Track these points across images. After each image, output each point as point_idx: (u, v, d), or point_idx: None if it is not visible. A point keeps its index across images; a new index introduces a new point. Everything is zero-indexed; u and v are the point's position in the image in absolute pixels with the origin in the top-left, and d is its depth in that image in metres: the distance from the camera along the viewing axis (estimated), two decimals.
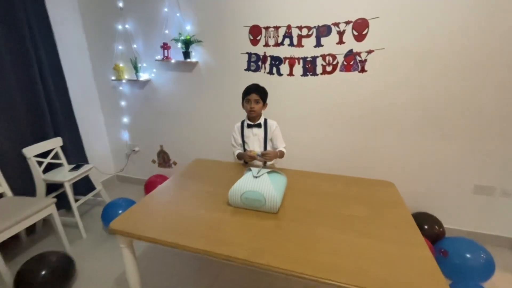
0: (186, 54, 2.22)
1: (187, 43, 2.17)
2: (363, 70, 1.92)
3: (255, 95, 1.64)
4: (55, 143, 2.20)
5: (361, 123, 2.04)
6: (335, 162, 2.19)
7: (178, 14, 2.19)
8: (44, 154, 2.13)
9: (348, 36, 1.88)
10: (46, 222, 2.15)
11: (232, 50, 2.17)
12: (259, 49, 2.10)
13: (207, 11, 2.13)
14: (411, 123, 1.93)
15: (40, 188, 2.07)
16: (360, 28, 1.84)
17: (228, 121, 2.39)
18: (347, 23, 1.85)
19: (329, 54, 1.96)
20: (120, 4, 2.31)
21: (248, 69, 2.18)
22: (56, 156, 2.22)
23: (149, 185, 2.54)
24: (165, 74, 2.44)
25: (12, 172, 1.95)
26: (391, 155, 2.05)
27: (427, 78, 1.81)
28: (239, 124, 1.82)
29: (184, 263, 1.80)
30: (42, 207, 1.76)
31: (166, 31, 2.26)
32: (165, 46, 2.24)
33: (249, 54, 2.14)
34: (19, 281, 1.43)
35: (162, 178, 2.58)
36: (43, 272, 1.45)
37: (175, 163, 2.76)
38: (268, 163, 1.80)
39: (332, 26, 1.89)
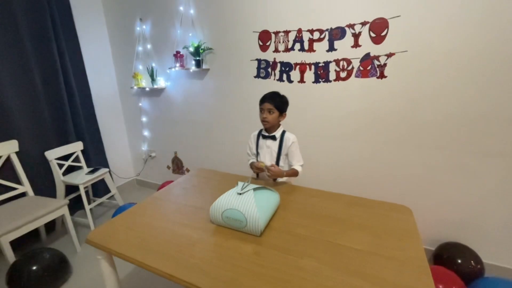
0: (198, 62, 2.21)
1: (198, 51, 2.17)
2: (382, 76, 1.70)
3: (269, 104, 1.49)
4: (76, 147, 2.34)
5: (380, 135, 1.81)
6: (346, 179, 1.98)
7: (191, 21, 2.21)
8: (67, 157, 2.28)
9: (365, 39, 1.68)
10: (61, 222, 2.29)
11: (242, 57, 2.11)
12: (269, 55, 2.00)
13: (216, 17, 2.10)
14: (442, 136, 1.65)
15: (60, 189, 2.21)
16: (379, 29, 1.63)
17: (238, 129, 2.33)
18: (364, 24, 1.66)
19: (343, 59, 1.78)
20: (139, 17, 2.42)
21: (257, 76, 2.10)
22: (77, 159, 2.37)
23: None
24: (179, 82, 2.47)
25: (36, 173, 2.10)
26: (415, 174, 1.77)
27: (461, 83, 1.53)
28: (256, 132, 1.68)
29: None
30: (55, 208, 1.86)
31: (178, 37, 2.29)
32: (177, 55, 2.26)
33: (259, 61, 2.05)
34: (11, 275, 1.53)
35: None
36: (34, 268, 1.54)
37: (187, 170, 2.76)
38: (279, 179, 1.61)
39: (346, 28, 1.71)
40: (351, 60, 1.76)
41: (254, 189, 1.14)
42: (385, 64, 1.68)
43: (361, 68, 1.75)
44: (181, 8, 2.19)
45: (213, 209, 1.11)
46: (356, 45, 1.72)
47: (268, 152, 1.62)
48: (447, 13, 1.46)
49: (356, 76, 1.77)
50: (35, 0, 2.01)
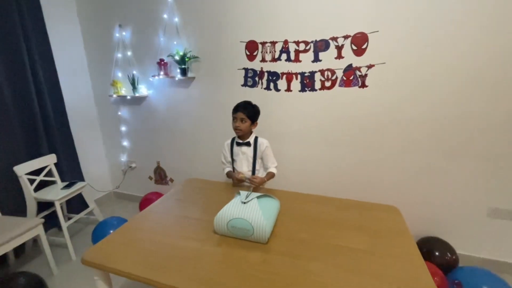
0: (183, 71, 2.19)
1: (184, 59, 2.15)
2: (363, 85, 1.84)
3: (241, 113, 1.58)
4: (49, 160, 2.16)
5: (362, 141, 1.93)
6: (334, 183, 2.08)
7: (176, 29, 2.18)
8: (38, 171, 2.10)
9: (347, 51, 1.81)
10: (36, 242, 2.08)
11: (228, 66, 2.13)
12: (256, 65, 2.05)
13: (202, 26, 2.11)
14: (417, 141, 1.81)
15: (31, 206, 2.01)
16: (359, 42, 1.77)
17: (225, 138, 2.33)
18: (346, 37, 1.79)
19: (327, 69, 1.89)
20: (118, 23, 2.34)
21: (245, 84, 2.13)
22: (49, 174, 2.18)
23: (144, 203, 2.46)
24: (162, 90, 2.41)
25: (3, 190, 1.91)
26: (395, 176, 1.92)
27: (433, 93, 1.70)
28: (229, 141, 1.76)
29: None
30: (29, 228, 1.69)
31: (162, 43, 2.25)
32: (161, 63, 2.22)
33: (246, 70, 2.09)
34: None
35: (158, 196, 2.49)
36: None
37: (171, 180, 2.68)
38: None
39: (330, 41, 1.83)
40: (335, 70, 1.87)
41: (258, 197, 1.16)
42: (366, 75, 1.81)
43: (344, 78, 1.86)
44: (165, 15, 2.16)
45: (218, 219, 1.11)
46: (339, 56, 1.83)
47: (244, 158, 1.70)
48: (418, 28, 1.63)
49: (340, 86, 1.89)
50: None
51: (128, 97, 2.51)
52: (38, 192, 2.05)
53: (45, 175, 2.14)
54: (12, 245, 1.61)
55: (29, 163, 2.02)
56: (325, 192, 1.69)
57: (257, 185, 1.59)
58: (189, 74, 2.23)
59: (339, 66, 1.85)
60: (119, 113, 2.64)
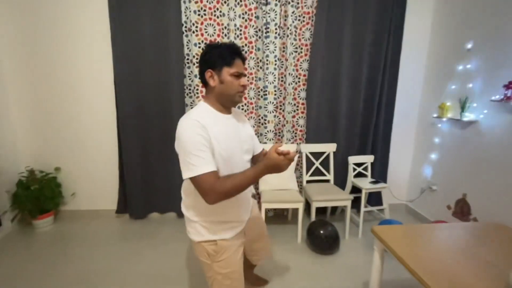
0: None
1: None
2: None
3: None
4: (368, 159, 2.88)
5: None
6: None
7: None
8: (359, 164, 2.90)
9: None
10: (343, 211, 2.94)
11: None
12: None
13: None
14: None
15: (349, 186, 2.87)
16: None
17: None
18: None
19: None
20: (469, 46, 2.32)
21: None
22: (365, 169, 2.91)
23: None
24: (499, 116, 2.07)
25: (339, 169, 2.91)
26: None
27: None
28: None
29: None
30: (345, 198, 2.50)
31: None
32: (509, 85, 1.91)
33: None
34: (308, 228, 2.32)
35: None
36: (321, 231, 2.28)
37: (475, 220, 2.28)
38: None
39: None
40: None
41: None
42: None
43: None
44: None
45: None
46: None
47: None
48: None
49: None
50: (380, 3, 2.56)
51: (452, 121, 2.47)
52: (355, 178, 2.85)
53: (363, 169, 2.89)
54: (332, 203, 2.49)
55: (357, 157, 2.85)
56: None
57: None
58: None
59: None
60: (436, 135, 2.70)
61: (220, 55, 1.08)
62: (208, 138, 1.02)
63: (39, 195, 2.58)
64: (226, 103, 1.15)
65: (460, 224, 1.52)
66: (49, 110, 2.71)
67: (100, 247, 2.38)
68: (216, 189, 0.99)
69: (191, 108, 2.32)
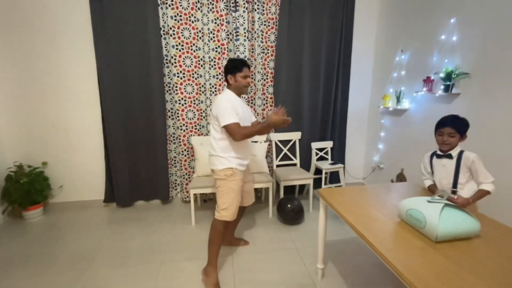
0: (446, 87, 2.25)
1: (450, 76, 2.21)
2: None
3: (450, 128, 1.58)
4: (328, 144, 3.36)
5: None
6: None
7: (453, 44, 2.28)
8: (321, 149, 3.37)
9: None
10: (308, 190, 3.40)
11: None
12: None
13: (485, 41, 2.01)
14: None
15: (312, 168, 3.34)
16: None
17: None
18: None
19: None
20: (401, 47, 2.86)
21: None
22: (326, 153, 3.39)
23: None
24: (423, 105, 2.61)
25: (304, 154, 3.36)
26: None
27: None
28: (429, 153, 1.79)
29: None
30: (308, 177, 2.95)
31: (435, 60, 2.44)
32: (427, 80, 2.44)
33: None
34: (278, 204, 2.74)
35: None
36: (289, 205, 2.69)
37: None
38: None
39: None
40: None
41: (446, 205, 1.25)
42: None
43: None
44: (443, 37, 2.33)
45: (400, 205, 1.39)
46: None
47: (444, 170, 1.66)
48: None
49: None
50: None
51: (391, 109, 3.01)
52: (318, 161, 3.32)
53: (324, 153, 3.36)
54: (299, 182, 2.94)
55: (319, 143, 3.32)
56: None
57: (461, 206, 1.44)
58: (454, 91, 2.24)
59: None
60: (382, 121, 3.24)
61: (235, 66, 1.82)
62: (233, 107, 1.75)
63: (28, 188, 2.76)
64: (239, 93, 1.88)
65: (386, 184, 1.99)
66: (35, 106, 2.88)
67: (91, 231, 2.63)
68: (240, 132, 1.71)
69: (171, 103, 2.93)
